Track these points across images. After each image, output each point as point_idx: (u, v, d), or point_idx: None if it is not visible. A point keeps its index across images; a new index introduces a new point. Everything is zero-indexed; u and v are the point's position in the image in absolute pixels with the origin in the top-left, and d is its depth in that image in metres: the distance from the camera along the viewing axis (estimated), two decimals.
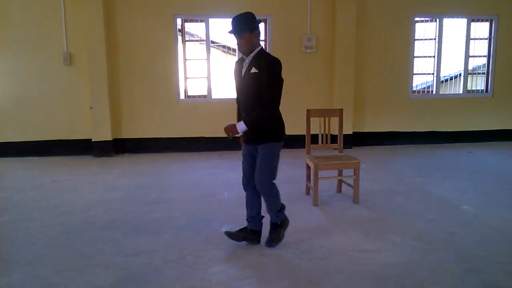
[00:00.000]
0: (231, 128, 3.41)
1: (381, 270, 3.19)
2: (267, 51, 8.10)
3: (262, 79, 3.27)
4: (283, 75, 3.35)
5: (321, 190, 4.81)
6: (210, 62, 8.12)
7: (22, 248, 3.73)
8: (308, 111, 5.01)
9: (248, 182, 3.63)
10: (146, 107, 7.95)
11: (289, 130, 8.00)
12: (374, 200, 4.92)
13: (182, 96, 8.15)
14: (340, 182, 5.22)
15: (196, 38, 9.27)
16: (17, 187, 5.83)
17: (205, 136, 8.11)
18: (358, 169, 4.71)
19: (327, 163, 4.70)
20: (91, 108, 7.69)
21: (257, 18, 3.38)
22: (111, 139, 7.82)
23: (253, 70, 3.32)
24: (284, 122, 3.57)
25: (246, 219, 3.72)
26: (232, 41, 9.55)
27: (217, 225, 4.21)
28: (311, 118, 5.03)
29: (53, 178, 6.30)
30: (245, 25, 3.31)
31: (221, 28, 9.04)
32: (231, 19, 3.34)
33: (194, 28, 9.11)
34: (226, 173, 6.38)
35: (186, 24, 8.20)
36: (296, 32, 8.14)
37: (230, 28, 3.37)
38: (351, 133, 8.20)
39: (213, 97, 8.21)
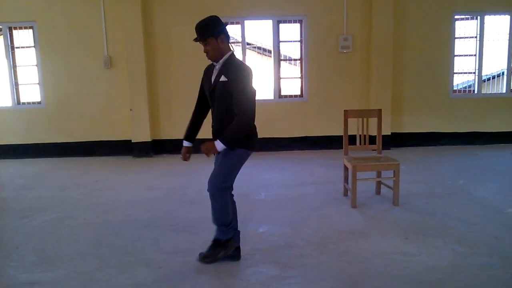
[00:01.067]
0: (211, 149, 3.06)
1: (422, 274, 3.11)
2: (303, 51, 8.12)
3: (232, 88, 3.04)
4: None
5: (359, 191, 4.74)
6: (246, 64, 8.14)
7: (66, 245, 3.86)
8: (346, 111, 4.95)
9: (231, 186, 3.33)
10: (184, 108, 8.03)
11: (325, 131, 8.08)
12: (414, 203, 4.80)
13: None
14: (379, 183, 5.13)
15: (231, 40, 9.35)
16: (60, 186, 6.03)
17: None
18: (398, 170, 4.61)
19: (366, 164, 4.63)
20: (130, 110, 7.88)
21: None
22: (150, 140, 7.99)
23: (222, 78, 3.09)
24: (257, 134, 3.31)
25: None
26: (268, 43, 9.57)
27: (253, 225, 4.22)
28: (348, 119, 4.96)
29: (95, 177, 6.48)
30: (209, 31, 3.06)
31: (257, 30, 9.08)
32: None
33: (230, 30, 9.19)
34: (261, 173, 6.38)
35: None
36: (332, 32, 8.07)
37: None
38: (390, 133, 8.05)
39: None
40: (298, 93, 8.34)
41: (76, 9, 7.91)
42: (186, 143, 3.46)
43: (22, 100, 8.30)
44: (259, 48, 10.16)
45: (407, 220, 4.25)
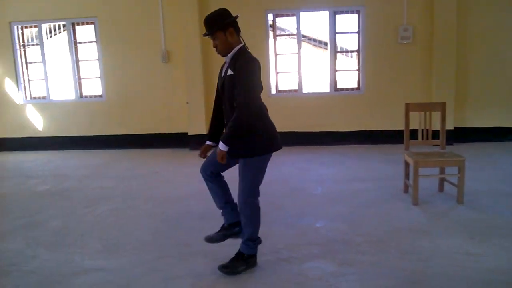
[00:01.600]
0: (220, 155, 2.90)
1: (488, 275, 2.95)
2: (360, 43, 7.91)
3: (235, 81, 2.91)
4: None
5: (420, 188, 4.55)
6: (301, 56, 8.06)
7: (128, 234, 3.99)
8: (407, 105, 4.76)
9: (207, 171, 3.17)
10: None
11: (383, 125, 7.84)
12: (480, 201, 4.54)
13: (273, 91, 8.20)
14: (442, 180, 4.90)
15: (286, 33, 9.28)
16: (121, 176, 6.25)
17: (296, 130, 8.09)
18: (463, 167, 4.38)
19: (428, 160, 4.43)
20: (187, 103, 8.02)
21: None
22: (205, 133, 8.09)
23: (229, 72, 2.96)
24: (276, 132, 3.17)
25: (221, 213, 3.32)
26: (323, 35, 9.43)
27: (310, 220, 4.16)
28: (410, 113, 4.77)
29: (153, 169, 6.66)
30: (216, 25, 2.95)
31: (312, 22, 8.96)
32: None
33: (285, 22, 9.11)
34: (316, 168, 6.30)
35: (277, 19, 8.22)
36: (392, 22, 7.79)
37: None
38: (452, 128, 7.68)
39: (303, 91, 8.16)
40: (355, 85, 8.14)
41: (135, 4, 8.14)
42: (208, 142, 3.28)
43: (84, 94, 8.67)
44: (314, 40, 10.02)
45: (472, 219, 4.04)
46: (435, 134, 5.00)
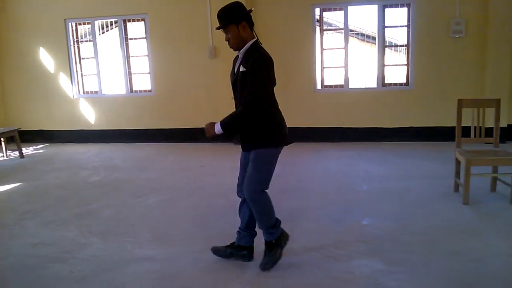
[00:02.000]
0: (209, 128, 3.00)
1: None
2: (410, 37, 7.70)
3: (248, 78, 2.89)
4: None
5: (472, 187, 4.40)
6: (348, 51, 7.95)
7: (176, 225, 4.10)
8: (460, 101, 4.60)
9: (241, 190, 3.21)
10: (283, 97, 8.02)
11: (432, 121, 7.62)
12: None
13: (318, 86, 8.14)
14: (494, 180, 4.71)
15: (333, 27, 9.16)
16: (168, 169, 6.41)
17: (341, 126, 8.00)
18: None
19: (481, 159, 4.28)
20: (232, 98, 8.07)
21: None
22: None
23: (242, 68, 2.93)
24: (285, 126, 3.14)
25: (236, 231, 3.34)
26: (370, 29, 9.26)
27: (356, 217, 4.12)
28: (462, 109, 4.61)
29: (199, 163, 6.79)
30: (229, 18, 2.91)
31: (359, 16, 8.81)
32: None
33: (332, 17, 8.99)
34: (363, 165, 6.20)
35: (324, 13, 8.14)
36: (443, 15, 7.52)
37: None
38: (506, 126, 7.35)
39: (350, 86, 8.04)
40: (403, 81, 7.94)
41: (184, 1, 8.27)
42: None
43: (134, 89, 8.93)
44: (361, 35, 9.84)
45: None
46: (488, 132, 4.80)
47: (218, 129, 2.96)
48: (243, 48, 2.99)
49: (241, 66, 2.94)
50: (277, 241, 3.15)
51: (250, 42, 2.98)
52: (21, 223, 4.32)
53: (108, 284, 3.03)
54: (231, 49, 3.08)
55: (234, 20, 2.92)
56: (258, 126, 2.97)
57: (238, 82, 2.98)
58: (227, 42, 3.02)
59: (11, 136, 7.70)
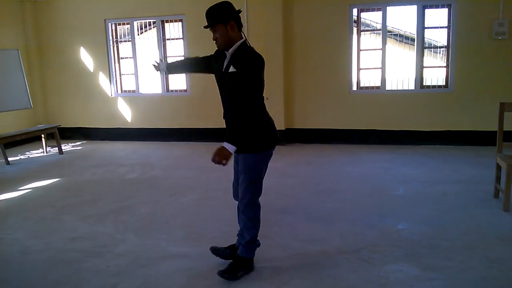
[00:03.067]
0: (222, 154, 2.85)
1: None
2: (450, 39, 7.49)
3: (240, 80, 2.84)
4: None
5: None
6: (386, 52, 7.80)
7: (209, 223, 4.14)
8: (502, 104, 4.44)
9: (237, 194, 3.20)
10: (318, 98, 8.05)
11: (472, 125, 7.39)
12: None
13: (354, 88, 8.03)
14: None
15: (370, 28, 9.01)
16: (202, 168, 6.46)
17: (377, 128, 7.86)
18: None
19: None
20: (266, 98, 8.07)
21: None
22: (283, 129, 8.14)
23: (231, 69, 2.89)
24: (274, 128, 3.13)
25: (236, 234, 3.34)
26: (408, 30, 9.06)
27: (392, 221, 4.04)
28: (504, 113, 4.45)
29: (232, 162, 6.80)
30: (217, 17, 2.90)
31: (397, 17, 8.63)
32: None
33: (369, 17, 8.85)
34: (399, 168, 6.08)
35: (362, 14, 8.02)
36: (485, 16, 7.27)
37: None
38: None
39: (386, 88, 7.90)
40: (442, 83, 7.73)
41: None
42: (162, 66, 3.72)
43: (170, 88, 9.06)
44: (400, 36, 9.64)
45: None
46: None
47: (232, 148, 2.85)
48: (231, 48, 2.96)
49: (231, 66, 2.91)
50: (247, 262, 3.11)
51: (239, 42, 2.95)
52: (59, 217, 4.46)
53: (143, 280, 3.08)
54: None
55: (222, 19, 2.91)
56: (249, 131, 2.89)
57: (227, 83, 2.97)
58: (215, 41, 2.99)
59: (51, 133, 7.98)
